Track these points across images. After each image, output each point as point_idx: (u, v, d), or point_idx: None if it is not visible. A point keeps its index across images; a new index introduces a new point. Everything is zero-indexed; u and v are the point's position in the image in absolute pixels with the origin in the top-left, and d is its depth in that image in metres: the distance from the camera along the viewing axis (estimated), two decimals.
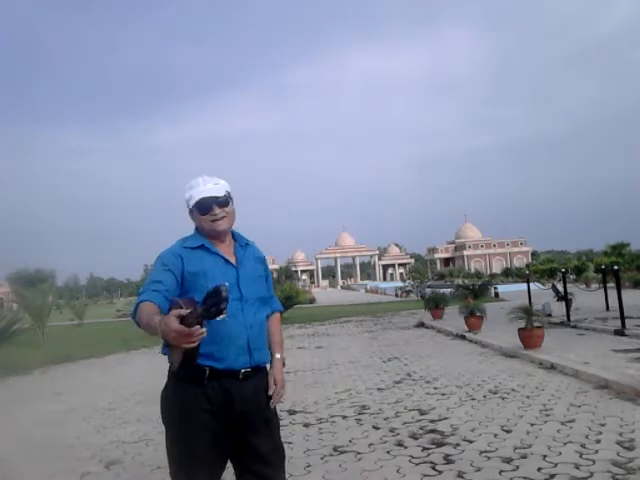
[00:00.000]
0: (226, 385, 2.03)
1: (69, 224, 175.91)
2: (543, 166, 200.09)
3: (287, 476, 2.41)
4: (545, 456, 3.75)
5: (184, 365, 1.95)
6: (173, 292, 2.01)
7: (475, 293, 19.97)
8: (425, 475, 3.59)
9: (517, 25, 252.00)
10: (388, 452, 4.12)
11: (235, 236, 2.24)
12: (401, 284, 44.28)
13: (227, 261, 2.13)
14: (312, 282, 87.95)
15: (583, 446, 3.91)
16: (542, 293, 17.17)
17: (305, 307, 28.49)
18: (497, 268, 79.65)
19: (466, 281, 32.12)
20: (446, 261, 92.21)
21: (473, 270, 74.24)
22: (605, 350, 7.89)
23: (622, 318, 9.75)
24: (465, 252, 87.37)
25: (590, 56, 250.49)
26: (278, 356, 2.26)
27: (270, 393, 2.17)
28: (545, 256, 74.62)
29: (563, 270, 15.25)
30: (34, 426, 5.81)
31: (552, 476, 3.38)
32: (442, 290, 20.31)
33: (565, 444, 3.98)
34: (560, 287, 14.18)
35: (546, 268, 48.99)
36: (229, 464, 2.13)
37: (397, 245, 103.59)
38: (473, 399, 5.69)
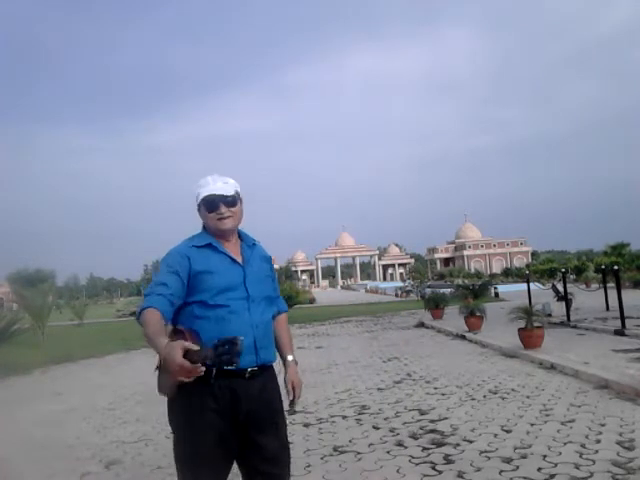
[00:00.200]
0: (232, 384, 2.03)
1: (69, 224, 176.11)
2: (543, 166, 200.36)
3: None
4: (545, 456, 3.75)
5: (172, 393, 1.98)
6: (179, 295, 2.03)
7: (475, 293, 19.95)
8: (425, 475, 3.59)
9: (517, 25, 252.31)
10: (388, 452, 4.12)
11: (242, 236, 2.25)
12: (401, 284, 44.27)
13: (234, 260, 2.13)
14: (312, 282, 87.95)
15: (583, 446, 3.91)
16: (542, 293, 17.16)
17: (305, 307, 28.50)
18: (497, 268, 79.64)
19: (466, 281, 32.12)
20: (446, 261, 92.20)
21: (473, 270, 74.25)
22: (605, 350, 7.89)
23: (622, 318, 9.75)
24: (465, 252, 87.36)
25: (590, 56, 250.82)
26: (290, 357, 2.27)
27: (290, 398, 2.20)
28: (545, 256, 74.64)
29: (563, 270, 15.25)
30: (34, 426, 5.81)
31: (552, 476, 3.38)
32: (442, 290, 20.30)
33: (565, 444, 3.98)
34: (560, 287, 14.18)
35: (546, 268, 49.01)
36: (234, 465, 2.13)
37: (397, 245, 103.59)
38: (473, 399, 5.69)
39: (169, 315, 1.98)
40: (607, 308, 13.24)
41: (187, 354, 1.68)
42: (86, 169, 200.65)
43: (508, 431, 4.44)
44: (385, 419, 5.12)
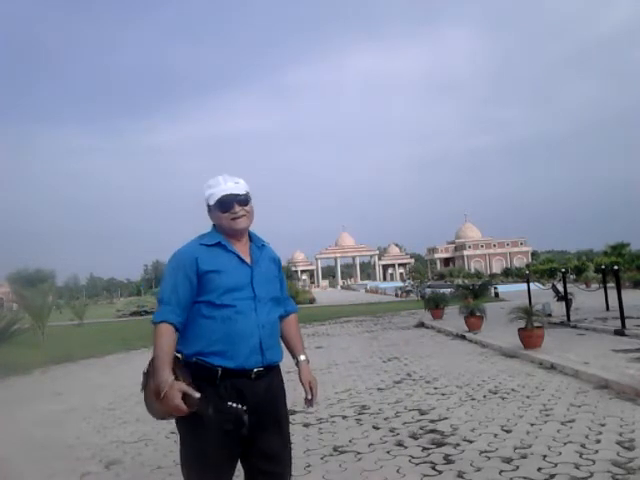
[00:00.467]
0: (238, 385, 2.04)
1: (69, 224, 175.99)
2: (543, 166, 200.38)
3: None
4: (545, 456, 3.75)
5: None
6: (190, 300, 2.08)
7: (475, 293, 19.94)
8: (425, 475, 3.59)
9: (517, 25, 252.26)
10: (388, 452, 4.12)
11: (252, 236, 2.26)
12: (401, 284, 44.27)
13: (242, 260, 2.14)
14: (312, 282, 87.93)
15: (583, 446, 3.91)
16: (542, 293, 17.16)
17: (305, 307, 28.49)
18: (497, 268, 79.66)
19: (466, 281, 32.13)
20: (446, 261, 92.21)
21: (473, 270, 74.28)
22: (605, 350, 7.89)
23: (622, 318, 9.75)
24: (465, 252, 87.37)
25: (590, 56, 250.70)
26: (303, 358, 2.29)
27: (309, 397, 2.24)
28: (545, 256, 74.67)
29: (563, 270, 15.24)
30: (34, 426, 5.81)
31: (552, 476, 3.38)
32: (442, 290, 20.30)
33: (565, 444, 3.98)
34: (560, 287, 14.18)
35: (546, 268, 49.05)
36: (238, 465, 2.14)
37: (397, 245, 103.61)
38: (473, 399, 5.69)
39: (181, 326, 2.07)
40: (607, 308, 13.24)
41: (185, 397, 1.89)
42: (86, 169, 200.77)
43: (508, 431, 4.44)
44: (385, 419, 5.12)
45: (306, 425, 5.08)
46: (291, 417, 5.42)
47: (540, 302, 12.74)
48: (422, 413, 5.25)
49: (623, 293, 10.30)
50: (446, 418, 4.99)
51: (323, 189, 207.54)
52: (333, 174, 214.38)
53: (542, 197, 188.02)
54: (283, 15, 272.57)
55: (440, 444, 4.23)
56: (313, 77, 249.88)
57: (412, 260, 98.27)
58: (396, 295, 37.24)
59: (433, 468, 3.70)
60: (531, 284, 15.50)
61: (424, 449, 4.13)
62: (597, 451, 3.78)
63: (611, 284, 13.07)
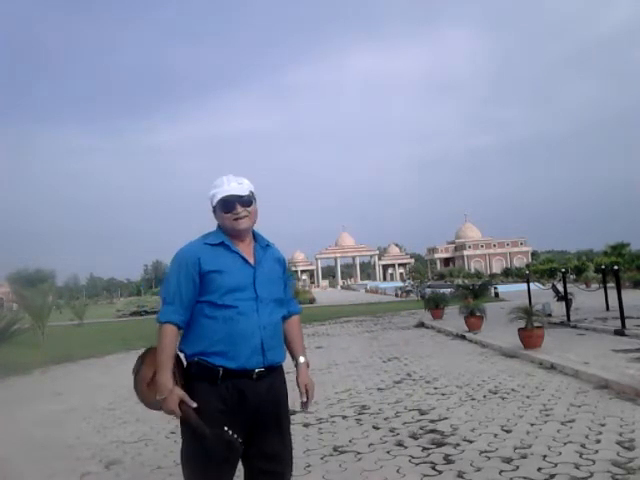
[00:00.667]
0: (240, 385, 2.05)
1: (69, 224, 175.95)
2: (543, 166, 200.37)
3: None
4: (545, 456, 3.75)
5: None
6: (194, 299, 2.10)
7: (475, 293, 19.94)
8: (425, 475, 3.59)
9: (517, 25, 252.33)
10: (388, 452, 4.12)
11: (256, 236, 2.26)
12: (401, 284, 44.26)
13: (245, 260, 2.15)
14: (312, 282, 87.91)
15: (583, 446, 3.90)
16: (542, 293, 17.17)
17: (305, 307, 28.47)
18: (497, 268, 79.64)
19: (466, 281, 32.15)
20: (446, 261, 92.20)
21: (473, 270, 74.26)
22: (605, 350, 7.89)
23: (622, 318, 9.75)
24: (465, 252, 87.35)
25: (590, 56, 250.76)
26: (302, 360, 2.28)
27: (304, 400, 2.23)
28: (545, 256, 74.65)
29: (563, 270, 15.24)
30: (34, 426, 5.81)
31: (552, 476, 3.38)
32: (442, 290, 20.30)
33: (565, 444, 3.98)
34: (560, 287, 14.18)
35: (546, 268, 49.03)
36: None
37: (397, 245, 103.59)
38: (473, 399, 5.69)
39: (184, 324, 2.11)
40: (607, 308, 13.24)
41: (181, 404, 2.00)
42: (86, 169, 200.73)
43: (508, 431, 4.44)
44: (385, 419, 5.12)
45: (306, 425, 5.08)
46: (291, 417, 5.43)
47: (540, 302, 12.74)
48: (422, 413, 5.25)
49: (623, 293, 10.30)
50: (446, 418, 4.99)
51: (323, 189, 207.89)
52: (333, 174, 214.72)
53: (542, 197, 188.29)
54: (283, 15, 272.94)
55: (440, 444, 4.23)
56: (313, 77, 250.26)
57: (412, 260, 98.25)
58: (396, 295, 37.24)
59: (433, 468, 3.70)
60: (531, 284, 15.50)
61: (424, 449, 4.13)
62: (597, 451, 3.78)
63: (611, 284, 13.07)
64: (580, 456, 3.70)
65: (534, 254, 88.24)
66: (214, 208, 2.19)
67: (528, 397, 5.58)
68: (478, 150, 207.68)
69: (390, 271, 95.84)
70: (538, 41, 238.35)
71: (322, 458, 4.09)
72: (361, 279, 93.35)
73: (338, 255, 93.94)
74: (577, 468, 3.48)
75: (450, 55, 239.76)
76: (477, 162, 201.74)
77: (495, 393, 5.90)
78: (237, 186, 2.15)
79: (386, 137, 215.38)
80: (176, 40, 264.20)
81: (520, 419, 4.77)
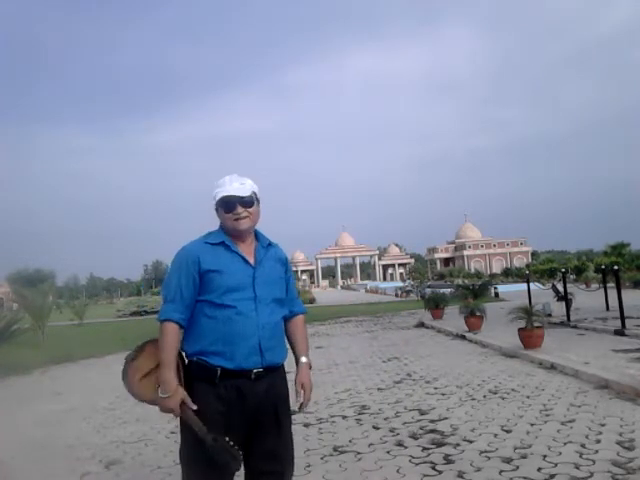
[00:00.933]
0: (238, 385, 2.05)
1: (69, 224, 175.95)
2: (543, 166, 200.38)
3: None
4: (545, 456, 3.75)
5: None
6: (194, 298, 2.10)
7: (475, 293, 19.93)
8: (425, 475, 3.59)
9: (517, 25, 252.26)
10: (388, 452, 4.12)
11: (258, 236, 2.26)
12: (401, 284, 44.24)
13: (245, 260, 2.15)
14: (312, 282, 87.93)
15: (583, 446, 3.90)
16: (542, 293, 17.16)
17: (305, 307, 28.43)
18: (497, 268, 79.63)
19: (466, 281, 32.16)
20: (446, 261, 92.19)
21: (473, 270, 74.26)
22: (605, 350, 7.89)
23: (622, 318, 9.75)
24: (465, 252, 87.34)
25: (590, 56, 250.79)
26: (304, 360, 2.27)
27: (300, 400, 2.21)
28: (545, 256, 74.66)
29: (563, 270, 15.24)
30: (34, 426, 5.81)
31: (552, 476, 3.38)
32: (442, 290, 20.30)
33: (565, 444, 3.98)
34: (560, 287, 14.18)
35: (546, 268, 49.02)
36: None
37: (397, 245, 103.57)
38: (473, 399, 5.69)
39: (185, 323, 2.10)
40: (607, 308, 13.23)
41: (182, 404, 2.01)
42: (86, 169, 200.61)
43: (508, 431, 4.44)
44: (385, 419, 5.12)
45: (306, 425, 5.08)
46: (292, 417, 5.43)
47: (540, 302, 12.73)
48: (422, 413, 5.25)
49: (623, 293, 10.30)
50: (446, 418, 4.99)
51: (323, 189, 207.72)
52: (333, 174, 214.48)
53: (542, 197, 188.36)
54: (283, 15, 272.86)
55: (440, 444, 4.22)
56: (313, 77, 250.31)
57: (412, 260, 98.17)
58: (396, 295, 37.22)
59: (433, 468, 3.70)
60: (531, 284, 15.50)
61: (424, 449, 4.13)
62: (597, 451, 3.78)
63: (611, 284, 13.07)
64: (580, 456, 3.70)
65: (534, 254, 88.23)
66: (216, 208, 2.19)
67: (528, 397, 5.58)
68: (478, 150, 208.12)
69: (390, 271, 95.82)
70: (538, 41, 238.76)
71: (322, 458, 4.09)
72: (361, 279, 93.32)
73: (338, 255, 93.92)
74: (577, 468, 3.48)
75: (450, 55, 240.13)
76: (477, 162, 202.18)
77: (495, 393, 5.90)
78: (239, 186, 2.16)
79: (386, 137, 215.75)
80: (176, 40, 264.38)
81: (520, 419, 4.77)
